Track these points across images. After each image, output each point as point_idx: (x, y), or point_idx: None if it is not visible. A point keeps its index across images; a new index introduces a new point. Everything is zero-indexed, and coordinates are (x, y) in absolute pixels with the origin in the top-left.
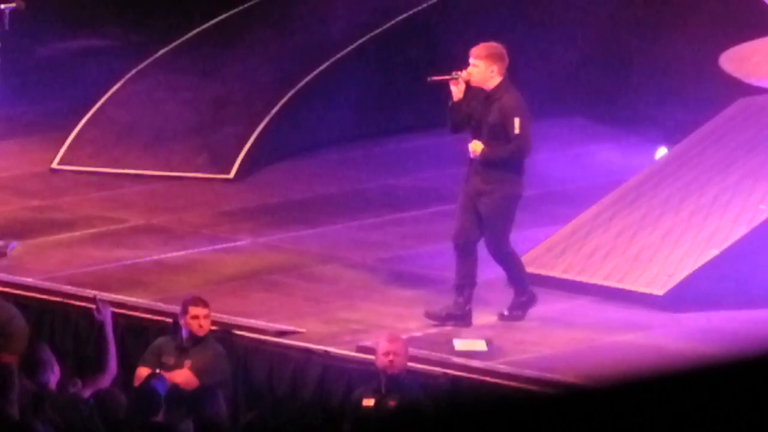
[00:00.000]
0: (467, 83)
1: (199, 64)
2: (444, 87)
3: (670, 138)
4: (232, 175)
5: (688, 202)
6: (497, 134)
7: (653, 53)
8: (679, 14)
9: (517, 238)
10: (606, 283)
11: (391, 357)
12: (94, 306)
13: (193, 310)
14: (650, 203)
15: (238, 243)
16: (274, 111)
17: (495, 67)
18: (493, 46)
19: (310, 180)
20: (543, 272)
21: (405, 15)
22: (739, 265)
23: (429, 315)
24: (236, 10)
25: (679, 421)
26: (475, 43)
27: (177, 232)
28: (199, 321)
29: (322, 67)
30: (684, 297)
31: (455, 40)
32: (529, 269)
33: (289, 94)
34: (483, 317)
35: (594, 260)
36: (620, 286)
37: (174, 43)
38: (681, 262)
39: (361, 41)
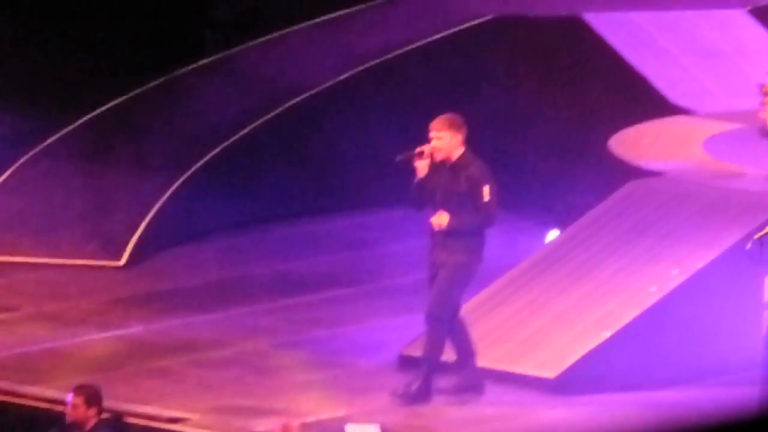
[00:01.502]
0: (431, 158)
1: (90, 150)
2: (407, 165)
3: (561, 221)
4: (123, 262)
5: (579, 285)
6: (465, 203)
7: (541, 138)
8: (568, 100)
9: (405, 323)
10: (497, 367)
11: None
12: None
13: (69, 396)
14: (540, 286)
15: (130, 330)
16: (164, 197)
17: (459, 137)
18: (453, 116)
19: (201, 266)
20: None
21: (295, 100)
22: (630, 348)
23: (454, 388)
24: (126, 96)
25: None
26: (369, 128)
27: (69, 320)
28: (67, 408)
29: (212, 153)
30: (575, 380)
31: (345, 127)
32: (417, 353)
33: (180, 181)
34: (374, 401)
35: (485, 344)
36: (512, 369)
37: (64, 130)
38: (572, 345)
39: (251, 127)
